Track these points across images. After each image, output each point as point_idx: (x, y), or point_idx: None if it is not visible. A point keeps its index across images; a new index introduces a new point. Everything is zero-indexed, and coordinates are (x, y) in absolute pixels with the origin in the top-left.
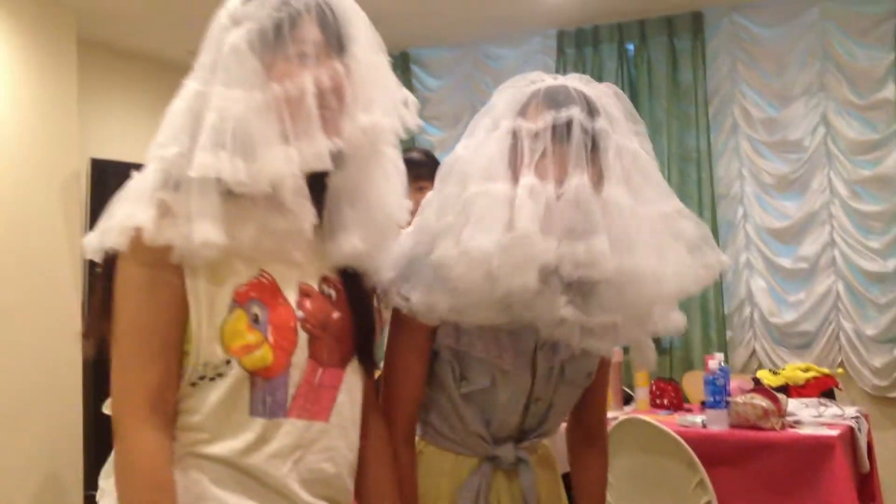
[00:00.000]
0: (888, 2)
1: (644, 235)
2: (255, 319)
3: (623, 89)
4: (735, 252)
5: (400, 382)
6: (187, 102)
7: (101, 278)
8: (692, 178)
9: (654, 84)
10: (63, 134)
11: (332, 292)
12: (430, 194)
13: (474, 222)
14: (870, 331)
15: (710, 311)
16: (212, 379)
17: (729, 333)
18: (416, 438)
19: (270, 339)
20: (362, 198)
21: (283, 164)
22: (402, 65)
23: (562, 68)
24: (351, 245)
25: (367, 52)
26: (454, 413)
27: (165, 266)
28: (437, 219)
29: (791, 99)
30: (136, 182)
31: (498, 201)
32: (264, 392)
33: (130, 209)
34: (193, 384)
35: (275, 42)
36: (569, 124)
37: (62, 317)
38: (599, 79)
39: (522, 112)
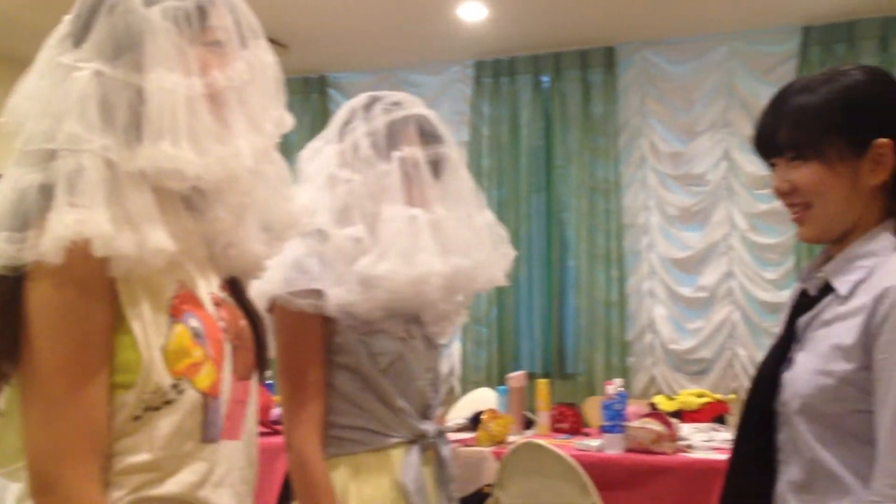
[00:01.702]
0: (791, 42)
1: (474, 240)
2: (196, 334)
3: (538, 120)
4: (639, 280)
5: (311, 390)
6: (88, 86)
7: None
8: (601, 207)
9: (567, 116)
10: None
11: (231, 300)
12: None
13: (405, 242)
14: None
15: (613, 337)
16: (157, 408)
17: (631, 360)
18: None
19: (210, 353)
20: (258, 201)
21: (244, 157)
22: (320, 88)
23: (479, 97)
24: (256, 250)
25: (266, 49)
26: (375, 399)
27: (100, 282)
28: (338, 228)
29: (697, 134)
30: (30, 183)
31: (417, 225)
32: (214, 413)
33: (75, 215)
34: (137, 418)
35: (197, 26)
36: (440, 159)
37: None
38: (515, 109)
39: (399, 140)
